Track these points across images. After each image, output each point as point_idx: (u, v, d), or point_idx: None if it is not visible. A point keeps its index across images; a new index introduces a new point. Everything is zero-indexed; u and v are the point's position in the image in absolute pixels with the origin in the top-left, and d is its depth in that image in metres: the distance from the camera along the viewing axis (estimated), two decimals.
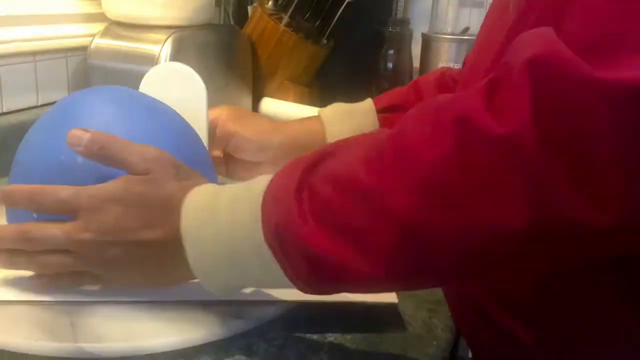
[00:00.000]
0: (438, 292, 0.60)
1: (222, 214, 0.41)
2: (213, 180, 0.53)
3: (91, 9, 0.97)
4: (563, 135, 0.29)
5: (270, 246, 0.39)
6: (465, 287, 0.44)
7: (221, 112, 0.69)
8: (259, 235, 0.39)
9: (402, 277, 0.37)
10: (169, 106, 0.56)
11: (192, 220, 0.42)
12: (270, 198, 0.39)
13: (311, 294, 0.40)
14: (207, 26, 0.97)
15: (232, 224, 0.40)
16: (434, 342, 0.51)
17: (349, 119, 0.69)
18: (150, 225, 0.42)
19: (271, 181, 0.40)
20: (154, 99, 0.56)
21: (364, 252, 0.35)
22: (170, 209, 0.42)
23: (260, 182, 0.41)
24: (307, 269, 0.38)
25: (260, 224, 0.39)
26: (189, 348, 0.46)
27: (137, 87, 0.87)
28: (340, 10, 1.10)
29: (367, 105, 0.70)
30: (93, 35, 0.90)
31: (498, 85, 0.32)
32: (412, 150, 0.34)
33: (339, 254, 0.36)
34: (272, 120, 0.74)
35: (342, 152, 0.38)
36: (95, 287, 0.48)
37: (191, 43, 0.91)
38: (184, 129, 0.56)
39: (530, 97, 0.29)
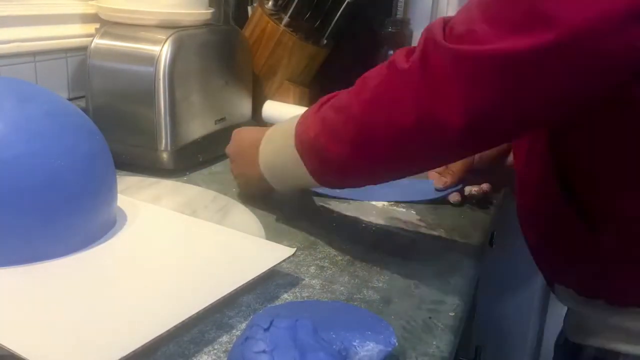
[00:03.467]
0: (438, 292, 0.60)
1: (278, 136, 0.69)
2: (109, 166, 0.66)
3: (91, 9, 0.97)
4: (429, 71, 0.50)
5: (298, 150, 0.63)
6: (390, 169, 0.60)
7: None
8: (291, 143, 0.63)
9: (358, 156, 0.57)
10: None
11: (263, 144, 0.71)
12: (301, 120, 0.64)
13: (322, 185, 0.65)
14: (207, 26, 0.97)
15: (283, 139, 0.66)
16: (434, 342, 0.51)
17: None
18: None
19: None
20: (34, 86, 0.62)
21: (339, 141, 0.58)
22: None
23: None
24: (316, 161, 0.61)
25: (293, 138, 0.63)
26: (189, 348, 0.46)
27: (137, 87, 0.87)
28: (340, 10, 1.10)
29: None
30: (93, 36, 0.90)
31: (417, 45, 0.52)
32: (365, 79, 0.57)
33: (328, 146, 0.59)
34: None
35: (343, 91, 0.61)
36: None
37: (191, 43, 0.91)
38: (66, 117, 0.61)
39: (420, 50, 0.51)
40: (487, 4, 0.48)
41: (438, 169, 0.83)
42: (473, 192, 0.83)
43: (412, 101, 0.51)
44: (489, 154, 0.80)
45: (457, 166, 0.81)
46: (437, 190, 0.82)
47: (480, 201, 0.84)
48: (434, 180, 0.83)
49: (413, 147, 0.53)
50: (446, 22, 0.51)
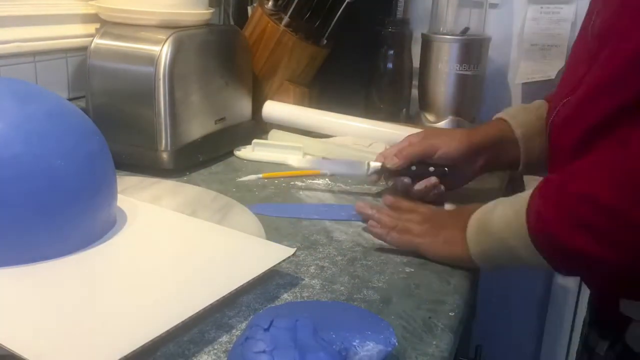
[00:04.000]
0: (438, 292, 0.60)
1: (494, 223, 0.62)
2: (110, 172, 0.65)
3: (91, 9, 0.97)
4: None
5: (533, 239, 0.57)
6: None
7: (411, 137, 0.82)
8: (524, 230, 0.57)
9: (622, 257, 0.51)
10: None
11: (471, 227, 0.65)
12: (533, 209, 0.57)
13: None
14: (207, 26, 0.97)
15: (503, 225, 0.61)
16: (434, 342, 0.51)
17: (526, 111, 0.81)
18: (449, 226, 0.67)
19: (531, 198, 0.58)
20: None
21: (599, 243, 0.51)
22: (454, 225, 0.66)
23: (522, 197, 0.60)
24: (564, 259, 0.56)
25: (525, 222, 0.57)
26: (189, 348, 0.46)
27: (137, 87, 0.87)
28: (340, 11, 1.10)
29: (539, 102, 0.81)
30: (93, 36, 0.90)
31: None
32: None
33: (582, 246, 0.52)
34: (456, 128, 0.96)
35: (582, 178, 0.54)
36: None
37: (191, 43, 0.91)
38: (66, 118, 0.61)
39: None
40: None
41: (392, 151, 0.81)
42: (421, 187, 0.79)
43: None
44: (454, 153, 0.78)
45: (412, 150, 0.79)
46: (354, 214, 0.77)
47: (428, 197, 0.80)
48: (385, 157, 0.80)
49: None
50: None
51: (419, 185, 0.79)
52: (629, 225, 0.49)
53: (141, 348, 0.44)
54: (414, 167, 0.80)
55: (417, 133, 0.84)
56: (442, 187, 0.79)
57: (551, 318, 1.35)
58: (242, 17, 1.20)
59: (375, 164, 0.81)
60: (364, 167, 0.82)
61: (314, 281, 0.60)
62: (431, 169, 0.79)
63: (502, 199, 0.64)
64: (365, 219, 0.73)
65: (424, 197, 0.79)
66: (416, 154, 0.80)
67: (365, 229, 0.72)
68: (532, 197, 0.58)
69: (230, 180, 0.89)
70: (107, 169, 0.65)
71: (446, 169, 0.79)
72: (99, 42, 0.89)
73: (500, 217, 0.61)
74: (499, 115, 0.82)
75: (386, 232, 0.68)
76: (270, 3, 1.10)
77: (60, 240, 0.58)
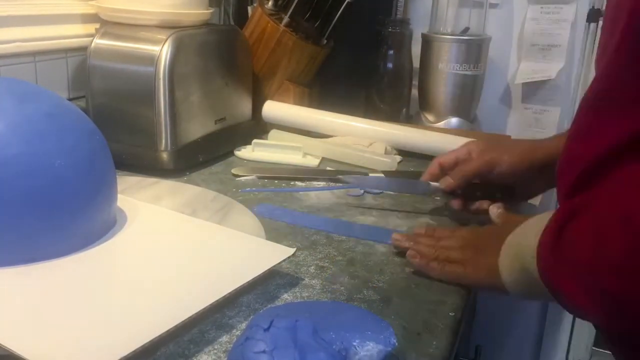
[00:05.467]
0: (438, 292, 0.60)
1: (517, 262, 0.55)
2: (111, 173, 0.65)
3: (91, 9, 0.97)
4: None
5: (542, 277, 0.51)
6: None
7: (470, 146, 0.77)
8: (536, 274, 0.52)
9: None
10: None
11: (503, 259, 0.58)
12: (540, 254, 0.51)
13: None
14: (207, 26, 0.97)
15: (522, 265, 0.54)
16: (434, 342, 0.51)
17: None
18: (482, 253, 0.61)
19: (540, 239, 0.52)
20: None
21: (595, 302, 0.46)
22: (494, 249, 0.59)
23: (531, 235, 0.53)
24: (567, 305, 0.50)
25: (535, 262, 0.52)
26: (189, 348, 0.46)
27: (137, 87, 0.87)
28: (340, 10, 1.10)
29: None
30: (93, 36, 0.90)
31: None
32: None
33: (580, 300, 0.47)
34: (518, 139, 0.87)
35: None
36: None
37: (191, 43, 0.91)
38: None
39: None
40: None
41: (449, 159, 0.76)
42: (478, 207, 0.75)
43: None
44: (516, 171, 0.73)
45: (468, 169, 0.74)
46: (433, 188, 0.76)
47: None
48: (439, 181, 0.77)
49: None
50: None
51: (476, 205, 0.75)
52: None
53: (141, 348, 0.44)
54: (478, 193, 0.75)
55: (477, 142, 0.78)
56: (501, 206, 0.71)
57: (551, 318, 1.35)
58: (242, 17, 1.20)
59: (436, 185, 0.77)
60: (426, 187, 0.77)
61: (314, 281, 0.60)
62: (497, 195, 0.74)
63: (540, 217, 0.56)
64: (402, 249, 0.67)
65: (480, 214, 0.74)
66: (472, 173, 0.74)
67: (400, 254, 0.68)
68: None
69: (230, 180, 0.89)
70: (107, 169, 0.65)
71: (501, 194, 0.74)
72: (99, 42, 0.89)
73: (532, 244, 0.53)
74: (560, 133, 0.76)
75: (425, 262, 0.63)
76: (270, 3, 1.10)
77: (60, 240, 0.58)
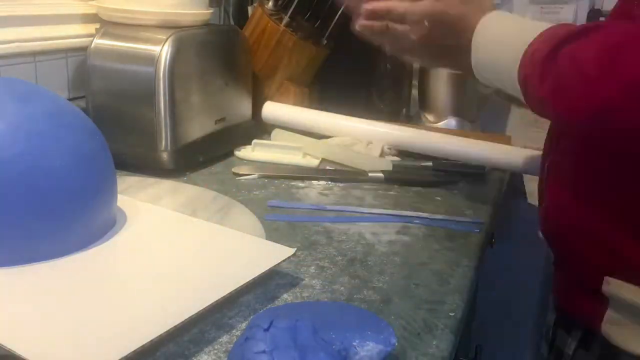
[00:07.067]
0: (438, 292, 0.60)
1: (497, 46, 0.61)
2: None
3: (91, 9, 0.97)
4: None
5: (519, 81, 0.57)
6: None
7: None
8: (515, 74, 0.57)
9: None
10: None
11: (477, 43, 0.63)
12: (529, 54, 0.56)
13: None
14: (207, 26, 0.97)
15: (500, 55, 0.60)
16: (434, 342, 0.51)
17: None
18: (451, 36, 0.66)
19: (533, 42, 0.56)
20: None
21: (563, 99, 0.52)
22: (465, 28, 0.64)
23: (526, 38, 0.57)
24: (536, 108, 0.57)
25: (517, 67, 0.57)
26: (189, 348, 0.46)
27: (137, 87, 0.87)
28: (341, 11, 1.10)
29: None
30: (93, 36, 0.90)
31: None
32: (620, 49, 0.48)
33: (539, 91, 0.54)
34: None
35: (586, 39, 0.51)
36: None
37: (191, 43, 0.91)
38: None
39: None
40: None
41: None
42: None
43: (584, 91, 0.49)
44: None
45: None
46: None
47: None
48: None
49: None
50: None
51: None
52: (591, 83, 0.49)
53: (141, 348, 0.44)
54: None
55: None
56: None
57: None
58: (242, 17, 1.20)
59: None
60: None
61: (314, 281, 0.60)
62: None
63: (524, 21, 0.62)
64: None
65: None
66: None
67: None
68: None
69: (230, 180, 0.89)
70: (107, 169, 0.65)
71: None
72: (99, 42, 0.89)
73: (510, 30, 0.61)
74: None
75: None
76: (270, 3, 1.10)
77: (60, 240, 0.58)
